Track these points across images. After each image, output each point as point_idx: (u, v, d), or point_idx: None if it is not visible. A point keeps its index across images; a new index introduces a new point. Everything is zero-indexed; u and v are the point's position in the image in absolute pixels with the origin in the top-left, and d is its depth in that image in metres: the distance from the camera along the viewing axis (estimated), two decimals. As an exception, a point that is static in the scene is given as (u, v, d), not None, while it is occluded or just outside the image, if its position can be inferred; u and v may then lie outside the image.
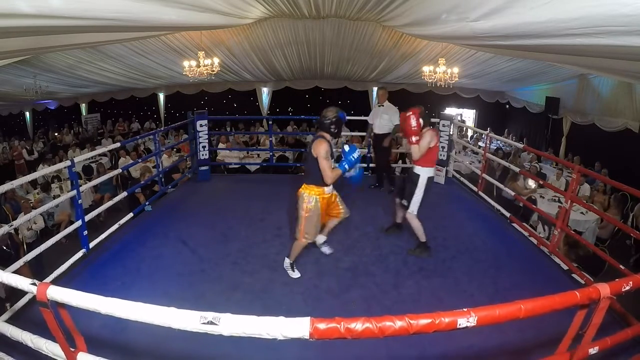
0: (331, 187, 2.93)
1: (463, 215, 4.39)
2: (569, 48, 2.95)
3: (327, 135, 2.83)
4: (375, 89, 11.92)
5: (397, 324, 1.09)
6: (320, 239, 3.30)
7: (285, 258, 3.09)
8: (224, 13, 4.63)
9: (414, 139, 3.10)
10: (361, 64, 9.95)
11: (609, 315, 1.60)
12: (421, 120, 3.12)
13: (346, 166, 2.78)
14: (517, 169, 4.65)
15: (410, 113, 3.11)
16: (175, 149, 8.68)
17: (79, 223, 3.19)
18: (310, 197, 2.85)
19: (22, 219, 3.29)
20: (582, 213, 5.66)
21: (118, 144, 4.74)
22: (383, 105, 5.03)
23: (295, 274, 3.03)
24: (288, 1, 5.75)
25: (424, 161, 3.23)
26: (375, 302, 2.73)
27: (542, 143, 9.79)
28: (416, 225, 3.30)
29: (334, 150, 2.89)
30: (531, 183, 6.29)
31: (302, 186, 2.90)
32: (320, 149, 2.73)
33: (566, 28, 2.31)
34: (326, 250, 3.35)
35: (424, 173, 3.26)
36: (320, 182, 2.82)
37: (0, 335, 1.61)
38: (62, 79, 9.46)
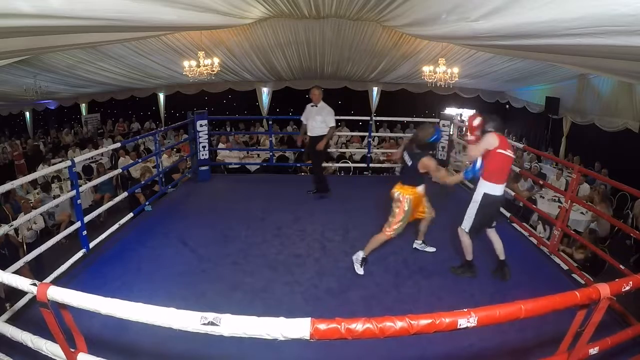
0: (423, 186, 3.13)
1: (463, 215, 4.38)
2: (569, 48, 2.95)
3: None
4: (375, 89, 11.95)
5: (397, 324, 1.09)
6: (418, 243, 3.48)
7: (359, 251, 3.11)
8: (224, 13, 4.63)
9: (469, 137, 2.88)
10: (361, 64, 9.94)
11: (609, 315, 1.60)
12: (491, 127, 2.83)
13: (470, 175, 2.96)
14: (517, 169, 4.64)
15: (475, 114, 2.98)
16: (175, 149, 8.68)
17: (78, 223, 3.19)
18: (405, 196, 3.05)
19: (22, 219, 3.29)
20: (582, 213, 5.66)
21: (118, 144, 4.74)
22: (316, 106, 4.59)
23: (361, 271, 3.07)
24: (288, 1, 5.74)
25: (486, 173, 2.84)
26: (376, 302, 2.73)
27: (542, 143, 9.79)
28: (465, 242, 3.00)
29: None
30: (526, 186, 6.31)
31: (397, 186, 3.14)
32: (430, 164, 2.99)
33: (566, 28, 2.30)
34: (430, 249, 3.45)
35: (481, 187, 2.88)
36: (415, 183, 3.09)
37: (0, 336, 1.61)
38: (62, 79, 9.46)
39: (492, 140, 2.77)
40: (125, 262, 3.23)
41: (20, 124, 12.76)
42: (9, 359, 1.79)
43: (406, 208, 3.05)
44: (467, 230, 2.95)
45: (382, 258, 3.32)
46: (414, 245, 3.48)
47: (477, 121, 2.85)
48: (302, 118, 4.77)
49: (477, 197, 2.89)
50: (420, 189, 3.13)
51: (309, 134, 4.67)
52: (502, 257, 3.05)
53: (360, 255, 3.10)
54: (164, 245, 3.54)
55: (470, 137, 2.86)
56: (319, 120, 4.55)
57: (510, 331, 2.26)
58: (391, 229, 3.06)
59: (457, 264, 3.24)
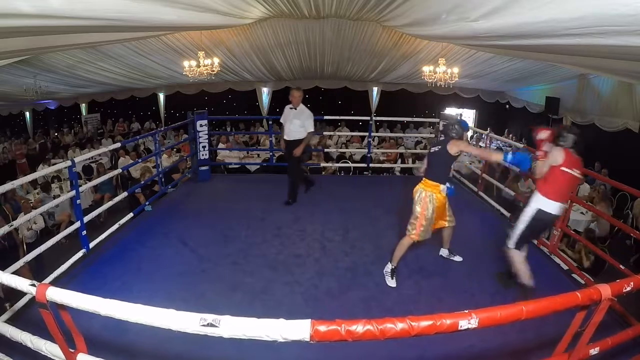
0: (445, 187, 2.91)
1: (463, 215, 4.38)
2: (569, 48, 2.95)
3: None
4: (375, 89, 11.94)
5: (398, 326, 1.09)
6: (444, 252, 3.36)
7: (388, 264, 2.98)
8: (224, 13, 4.63)
9: (539, 153, 2.67)
10: (361, 64, 9.94)
11: (609, 315, 1.60)
12: (563, 142, 2.57)
13: (511, 157, 2.72)
14: (517, 169, 4.64)
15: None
16: (175, 149, 8.68)
17: (78, 223, 3.19)
18: (428, 193, 2.89)
19: (22, 219, 3.29)
20: (582, 213, 5.66)
21: (118, 144, 4.74)
22: (295, 109, 4.37)
23: (393, 283, 2.92)
24: (288, 1, 5.74)
25: (544, 188, 2.59)
26: (376, 303, 2.73)
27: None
28: (517, 261, 2.70)
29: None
30: (528, 186, 6.28)
31: (419, 184, 2.97)
32: (461, 143, 2.87)
33: (566, 28, 2.30)
34: (457, 258, 3.33)
35: (535, 202, 2.63)
36: (439, 178, 2.90)
37: (-1, 336, 1.61)
38: (62, 79, 9.45)
39: (557, 156, 2.54)
40: (125, 262, 3.22)
41: (20, 124, 12.76)
42: (8, 359, 1.79)
43: (429, 207, 2.87)
44: (511, 246, 2.70)
45: (382, 258, 3.32)
46: (440, 253, 3.37)
47: (542, 135, 2.68)
48: (281, 120, 4.55)
49: (528, 212, 2.64)
50: (444, 188, 2.92)
51: (285, 137, 4.46)
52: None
53: (389, 267, 2.97)
54: (164, 245, 3.53)
55: (538, 152, 2.68)
56: (297, 124, 4.34)
57: (511, 332, 2.26)
58: (416, 232, 2.87)
59: (456, 262, 3.22)
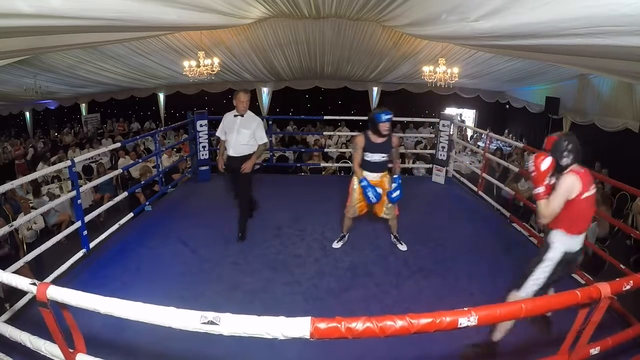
0: (376, 175, 3.27)
1: (463, 215, 4.39)
2: (569, 48, 2.95)
3: (370, 132, 3.19)
4: (375, 89, 11.93)
5: (398, 323, 1.09)
6: (392, 237, 3.56)
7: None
8: (224, 13, 4.63)
9: (539, 189, 2.01)
10: (361, 64, 9.94)
11: (609, 315, 1.60)
12: (566, 158, 1.99)
13: (365, 183, 3.21)
14: (516, 169, 4.65)
15: (544, 149, 2.09)
16: (175, 149, 8.68)
17: (79, 223, 3.19)
18: (354, 177, 3.32)
19: (22, 219, 3.29)
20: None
21: (118, 144, 4.74)
22: (242, 116, 3.50)
23: (336, 245, 3.52)
24: (288, 1, 5.74)
25: (565, 222, 2.03)
26: (376, 302, 2.73)
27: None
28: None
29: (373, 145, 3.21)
30: (529, 186, 6.28)
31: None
32: (354, 141, 3.34)
33: (566, 28, 2.31)
34: (402, 247, 3.48)
35: (558, 243, 2.07)
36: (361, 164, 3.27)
37: None
38: (62, 79, 9.46)
39: (571, 185, 1.95)
40: (125, 262, 3.22)
41: (20, 124, 12.76)
42: (8, 359, 1.79)
43: (351, 190, 3.35)
44: (523, 295, 2.12)
45: (382, 258, 3.32)
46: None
47: (546, 163, 2.00)
48: (219, 132, 3.66)
49: (553, 256, 2.08)
50: (366, 174, 3.25)
51: (231, 153, 3.55)
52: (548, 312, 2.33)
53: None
54: (164, 245, 3.54)
55: (538, 189, 2.01)
56: (246, 134, 3.49)
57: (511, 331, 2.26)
58: (346, 209, 3.42)
59: (456, 262, 3.23)
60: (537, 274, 2.10)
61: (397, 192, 3.20)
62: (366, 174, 3.25)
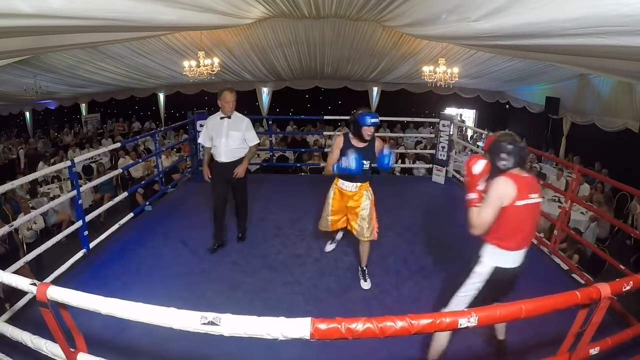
0: (352, 185, 2.78)
1: (463, 215, 4.37)
2: (569, 48, 2.95)
3: (351, 134, 2.76)
4: (375, 89, 11.93)
5: (398, 324, 1.09)
6: (359, 272, 3.01)
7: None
8: (224, 13, 4.63)
9: (471, 195, 1.84)
10: (361, 64, 9.94)
11: (609, 315, 1.60)
12: (504, 161, 1.76)
13: (335, 169, 2.68)
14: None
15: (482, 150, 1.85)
16: (175, 149, 8.68)
17: (79, 223, 3.19)
18: (332, 185, 2.92)
19: (22, 219, 3.29)
20: (582, 213, 5.66)
21: (118, 144, 4.73)
22: (229, 117, 3.28)
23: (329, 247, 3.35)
24: (288, 1, 5.74)
25: (497, 235, 1.81)
26: (376, 302, 2.73)
27: (542, 143, 9.79)
28: (439, 336, 1.94)
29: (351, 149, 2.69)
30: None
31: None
32: (335, 140, 2.84)
33: (566, 28, 2.31)
34: (365, 285, 2.93)
35: (488, 257, 1.85)
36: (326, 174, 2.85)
37: (0, 336, 1.61)
38: (62, 79, 9.46)
39: (505, 191, 1.72)
40: (125, 262, 3.23)
41: (20, 124, 12.76)
42: (8, 359, 1.79)
43: (326, 199, 2.94)
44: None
45: (382, 258, 3.32)
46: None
47: (479, 166, 1.79)
48: (202, 140, 3.42)
49: (482, 270, 1.86)
50: (342, 183, 2.81)
51: (221, 159, 3.28)
52: (500, 336, 2.15)
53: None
54: (163, 245, 3.54)
55: (470, 195, 1.85)
56: (236, 137, 3.27)
57: (511, 331, 2.26)
58: (320, 221, 3.03)
59: (457, 262, 3.23)
60: (466, 289, 1.89)
61: (388, 158, 2.62)
62: (341, 182, 2.82)
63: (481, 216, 1.76)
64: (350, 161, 2.52)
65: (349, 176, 2.72)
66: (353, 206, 2.83)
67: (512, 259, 1.83)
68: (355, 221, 2.83)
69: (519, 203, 1.72)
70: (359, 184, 2.79)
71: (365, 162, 2.68)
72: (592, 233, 5.51)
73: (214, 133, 3.28)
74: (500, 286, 1.89)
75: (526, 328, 2.26)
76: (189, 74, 7.77)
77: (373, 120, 2.62)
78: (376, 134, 2.79)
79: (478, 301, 1.88)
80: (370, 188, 2.86)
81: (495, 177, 1.76)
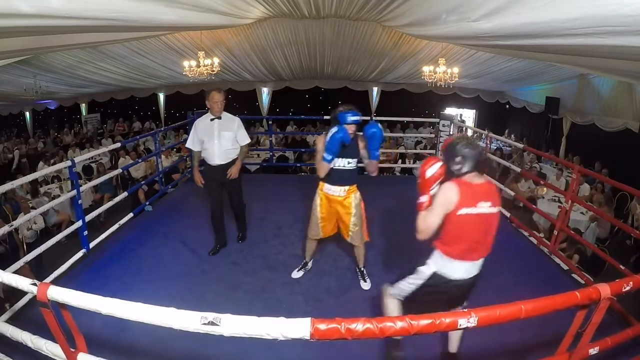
0: (339, 189, 2.67)
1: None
2: (570, 48, 2.95)
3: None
4: (375, 89, 11.92)
5: (397, 324, 1.10)
6: (357, 272, 2.99)
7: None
8: (224, 13, 4.63)
9: (422, 198, 1.75)
10: (361, 64, 9.94)
11: (609, 315, 1.60)
12: (459, 165, 1.70)
13: (327, 155, 2.47)
14: (517, 169, 4.65)
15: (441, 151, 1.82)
16: (175, 149, 8.68)
17: (79, 223, 3.19)
18: (316, 191, 2.80)
19: (22, 219, 3.29)
20: (582, 213, 5.66)
21: (118, 144, 4.74)
22: (220, 118, 3.19)
23: (296, 275, 3.01)
24: (288, 1, 5.74)
25: (443, 240, 1.76)
26: (376, 302, 2.73)
27: (542, 143, 9.80)
28: (389, 306, 1.96)
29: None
30: (528, 186, 6.30)
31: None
32: (318, 142, 2.66)
33: (566, 28, 2.31)
34: (365, 285, 2.89)
35: (432, 260, 1.81)
36: (321, 175, 2.67)
37: (0, 336, 1.61)
38: (62, 79, 9.46)
39: (447, 197, 1.66)
40: (125, 262, 3.23)
41: (20, 124, 12.76)
42: (8, 359, 1.79)
43: (313, 206, 2.80)
44: (393, 293, 1.96)
45: (382, 258, 3.32)
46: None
47: (432, 170, 1.72)
48: (190, 144, 3.30)
49: (422, 271, 1.82)
50: (328, 188, 2.69)
51: (215, 161, 3.22)
52: (452, 349, 2.05)
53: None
54: (163, 245, 3.54)
55: (421, 198, 1.75)
56: (229, 138, 3.19)
57: (510, 331, 2.26)
58: (308, 229, 2.89)
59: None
60: (405, 283, 1.88)
61: (375, 126, 2.52)
62: (327, 187, 2.70)
63: (426, 221, 1.70)
64: (334, 134, 2.41)
65: (336, 179, 2.65)
66: (343, 212, 2.75)
67: (455, 268, 1.75)
68: (348, 227, 2.76)
69: (462, 211, 1.65)
70: (346, 187, 2.69)
71: (350, 160, 2.62)
72: (592, 233, 5.50)
73: (205, 136, 3.19)
74: (438, 296, 1.82)
75: (526, 328, 2.26)
76: (189, 74, 7.77)
77: (353, 118, 2.52)
78: None
79: (413, 300, 1.87)
80: (357, 191, 2.77)
81: (445, 182, 1.71)
